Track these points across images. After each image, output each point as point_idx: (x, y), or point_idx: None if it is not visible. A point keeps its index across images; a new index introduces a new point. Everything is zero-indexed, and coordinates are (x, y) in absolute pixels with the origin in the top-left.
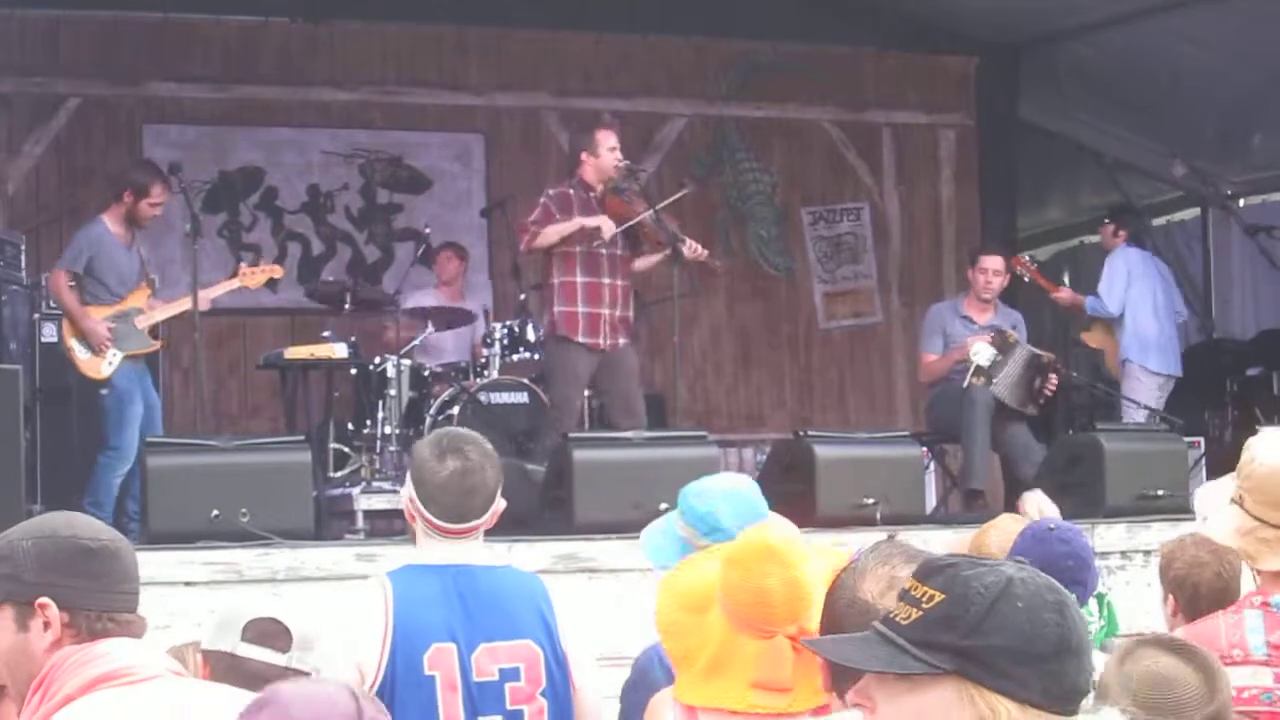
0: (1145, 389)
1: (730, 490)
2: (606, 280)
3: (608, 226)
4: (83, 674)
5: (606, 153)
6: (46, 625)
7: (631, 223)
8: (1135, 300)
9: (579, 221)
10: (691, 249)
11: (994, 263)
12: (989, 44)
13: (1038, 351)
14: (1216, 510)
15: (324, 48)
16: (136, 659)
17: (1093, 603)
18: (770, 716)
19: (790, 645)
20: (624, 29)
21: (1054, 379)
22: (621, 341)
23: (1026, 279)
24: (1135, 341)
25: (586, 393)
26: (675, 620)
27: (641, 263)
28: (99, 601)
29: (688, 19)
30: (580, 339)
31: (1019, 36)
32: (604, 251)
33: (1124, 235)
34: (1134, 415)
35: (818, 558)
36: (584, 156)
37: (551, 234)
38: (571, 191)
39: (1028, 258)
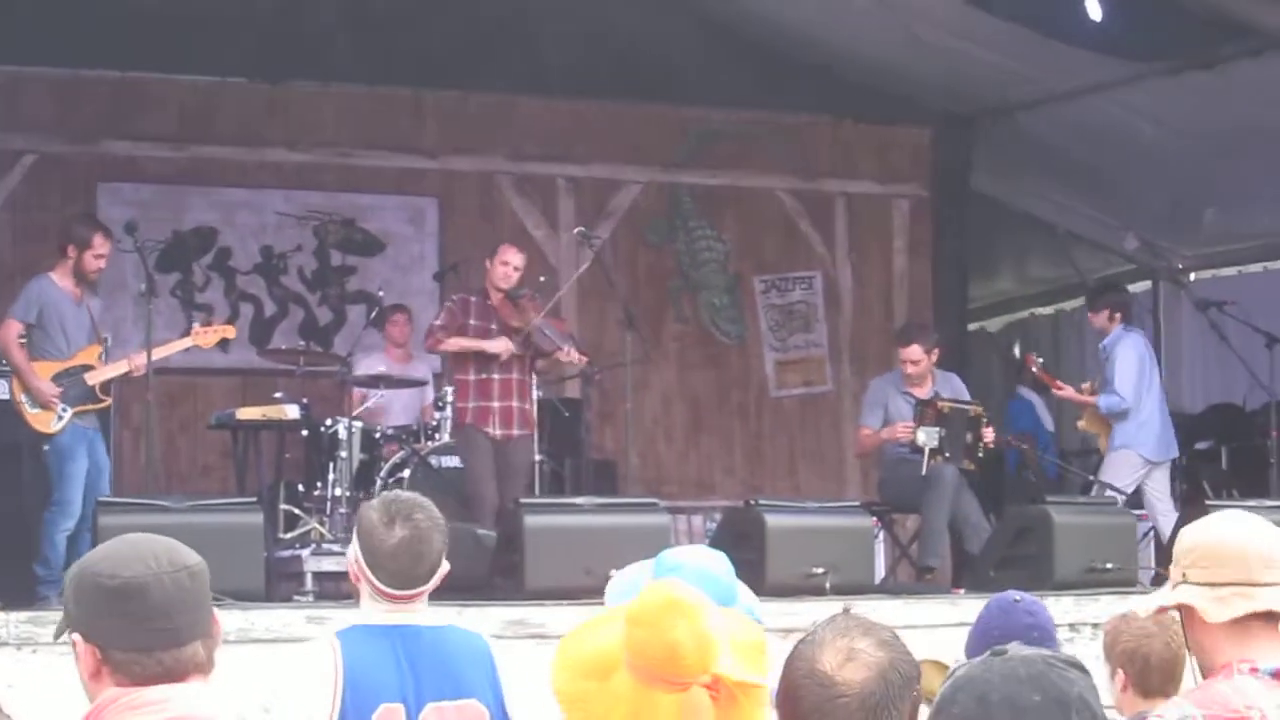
0: (1126, 473)
1: (702, 569)
2: (498, 376)
3: (504, 350)
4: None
5: (499, 265)
6: (81, 658)
7: (522, 333)
8: (1144, 390)
9: (480, 344)
10: (566, 355)
11: (910, 353)
12: (943, 115)
13: (963, 405)
14: (1160, 600)
15: (279, 108)
16: (180, 709)
17: None
18: None
19: (707, 693)
20: (579, 95)
21: (988, 431)
22: (516, 433)
23: (1034, 372)
24: (1137, 429)
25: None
26: (577, 689)
27: (541, 364)
28: (123, 641)
29: (643, 85)
30: (472, 425)
31: (973, 108)
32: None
33: (1119, 318)
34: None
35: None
36: (486, 264)
37: (453, 345)
38: (473, 298)
39: (1039, 359)
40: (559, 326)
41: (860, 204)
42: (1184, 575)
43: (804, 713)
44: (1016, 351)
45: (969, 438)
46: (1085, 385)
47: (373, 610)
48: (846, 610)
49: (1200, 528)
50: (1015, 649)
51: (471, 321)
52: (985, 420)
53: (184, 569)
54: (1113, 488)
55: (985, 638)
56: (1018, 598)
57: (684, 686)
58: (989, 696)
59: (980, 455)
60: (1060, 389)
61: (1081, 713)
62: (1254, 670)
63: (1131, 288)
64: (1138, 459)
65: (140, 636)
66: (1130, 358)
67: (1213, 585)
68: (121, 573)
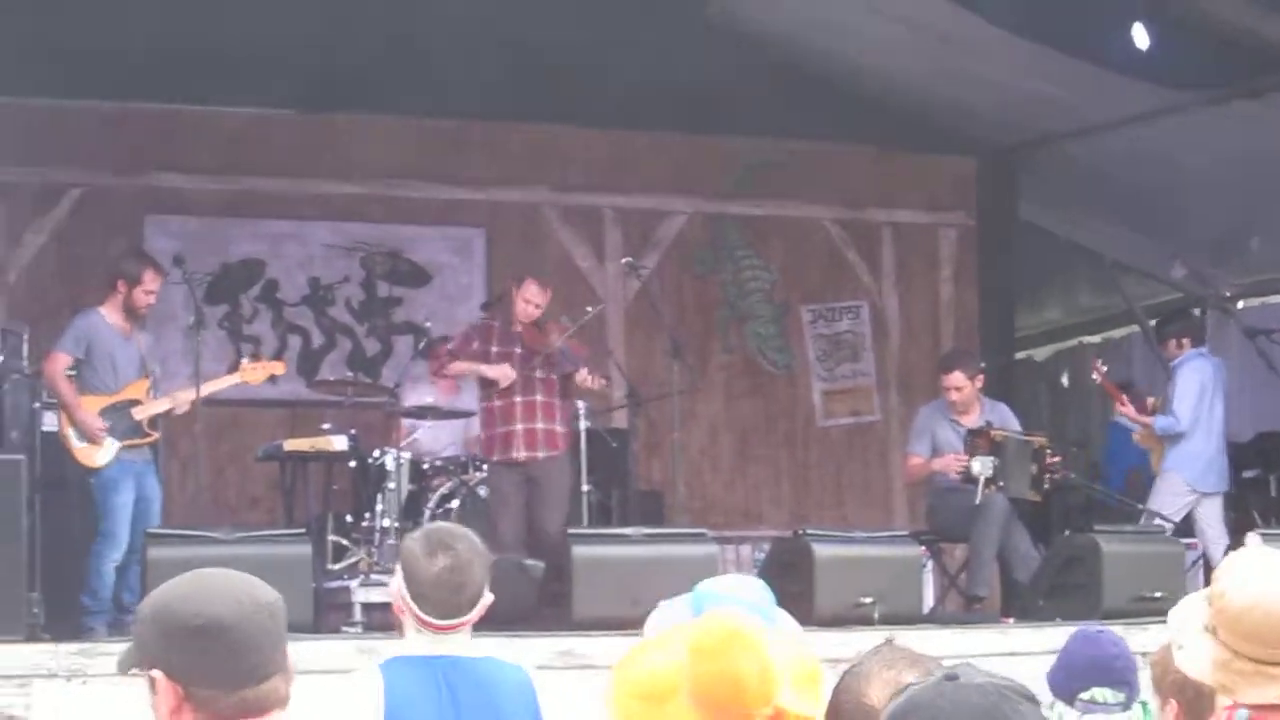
0: (1171, 500)
1: (741, 601)
2: (519, 399)
3: (505, 377)
4: None
5: (521, 301)
6: (161, 694)
7: (541, 355)
8: (1200, 417)
9: (480, 369)
10: (582, 378)
11: (952, 380)
12: (989, 144)
13: (1026, 438)
14: (1188, 634)
15: (326, 140)
16: None
17: (1137, 708)
18: None
19: None
20: (625, 125)
21: (1053, 462)
22: (542, 455)
23: (1097, 380)
24: (1186, 455)
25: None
26: (634, 712)
27: (575, 386)
28: (205, 679)
29: (689, 116)
30: (495, 458)
31: (1019, 137)
32: (524, 374)
33: (1188, 342)
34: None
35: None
36: (513, 292)
37: (454, 370)
38: (496, 324)
39: (1103, 366)
40: (576, 350)
41: (906, 233)
42: (1214, 627)
43: None
44: (1065, 381)
45: (1034, 469)
46: (1151, 401)
47: (416, 641)
48: (889, 641)
49: (1230, 579)
50: (967, 674)
51: (494, 348)
52: (1049, 451)
53: (265, 607)
54: (1162, 517)
55: (1071, 668)
56: (1100, 629)
57: (745, 718)
58: None
59: (1046, 487)
60: (1123, 404)
61: None
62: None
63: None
64: (1183, 485)
65: (224, 674)
66: (1192, 381)
67: (1237, 655)
68: (205, 610)
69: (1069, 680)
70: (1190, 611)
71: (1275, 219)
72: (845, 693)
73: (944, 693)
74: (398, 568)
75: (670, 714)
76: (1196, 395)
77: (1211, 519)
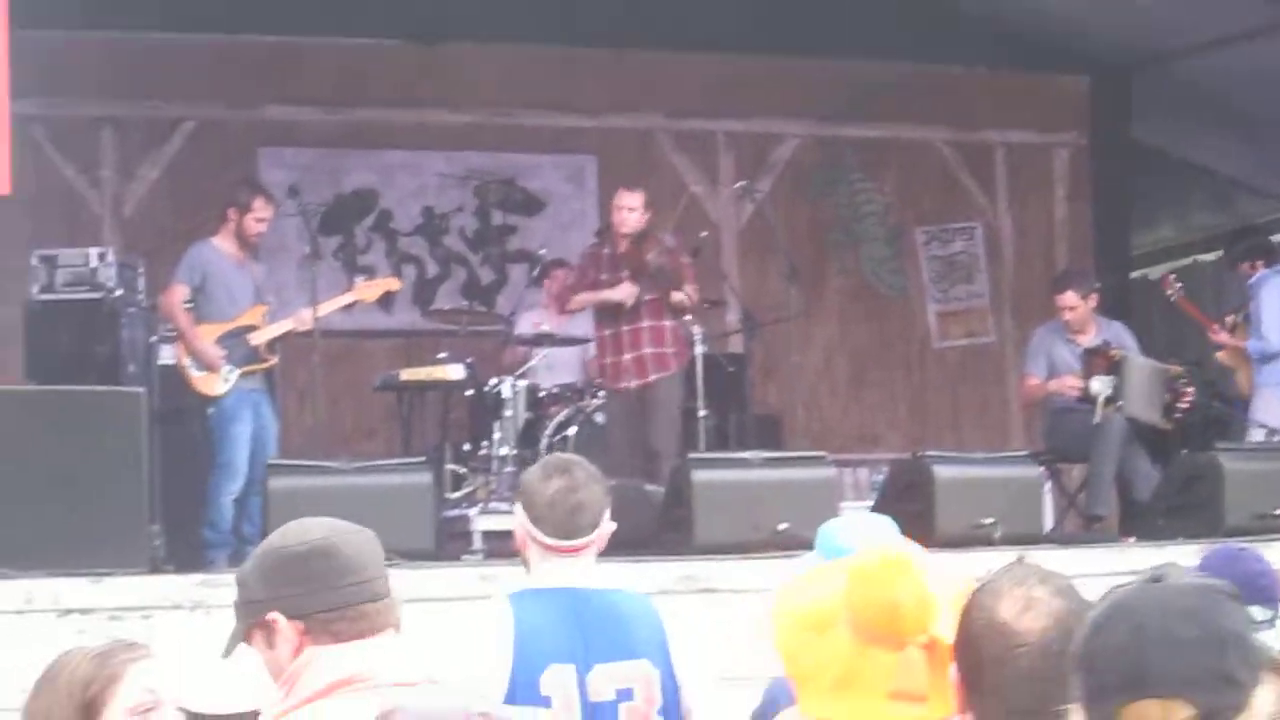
0: (1275, 410)
1: (867, 534)
2: (626, 328)
3: (628, 295)
4: (322, 677)
5: (616, 211)
6: (283, 637)
7: (648, 272)
8: None
9: (603, 295)
10: (677, 300)
11: (1065, 299)
12: (1102, 62)
13: (1162, 365)
14: None
15: (436, 69)
16: (377, 663)
17: None
18: None
19: (922, 655)
20: (736, 49)
21: (1188, 392)
22: (653, 378)
23: (1172, 298)
24: (1276, 369)
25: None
26: (796, 641)
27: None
28: (322, 602)
29: (801, 39)
30: (610, 386)
31: (1132, 55)
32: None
33: (1261, 263)
34: (1254, 435)
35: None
36: (612, 214)
37: (578, 303)
38: (605, 251)
39: (1178, 283)
40: (674, 264)
41: (1019, 154)
42: None
43: (983, 662)
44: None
45: (1167, 397)
46: (1230, 319)
47: (541, 572)
48: (1021, 559)
49: None
50: (1174, 575)
51: (602, 276)
52: (1185, 380)
53: (363, 532)
54: (1266, 426)
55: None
56: (1241, 547)
57: (901, 646)
58: (1145, 627)
59: (1178, 416)
60: (1217, 334)
61: (1238, 649)
62: None
63: None
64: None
65: (337, 593)
66: (1275, 299)
67: None
68: (307, 538)
69: None
70: None
71: None
72: (976, 609)
73: (1148, 594)
74: (518, 501)
75: (829, 643)
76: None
77: None
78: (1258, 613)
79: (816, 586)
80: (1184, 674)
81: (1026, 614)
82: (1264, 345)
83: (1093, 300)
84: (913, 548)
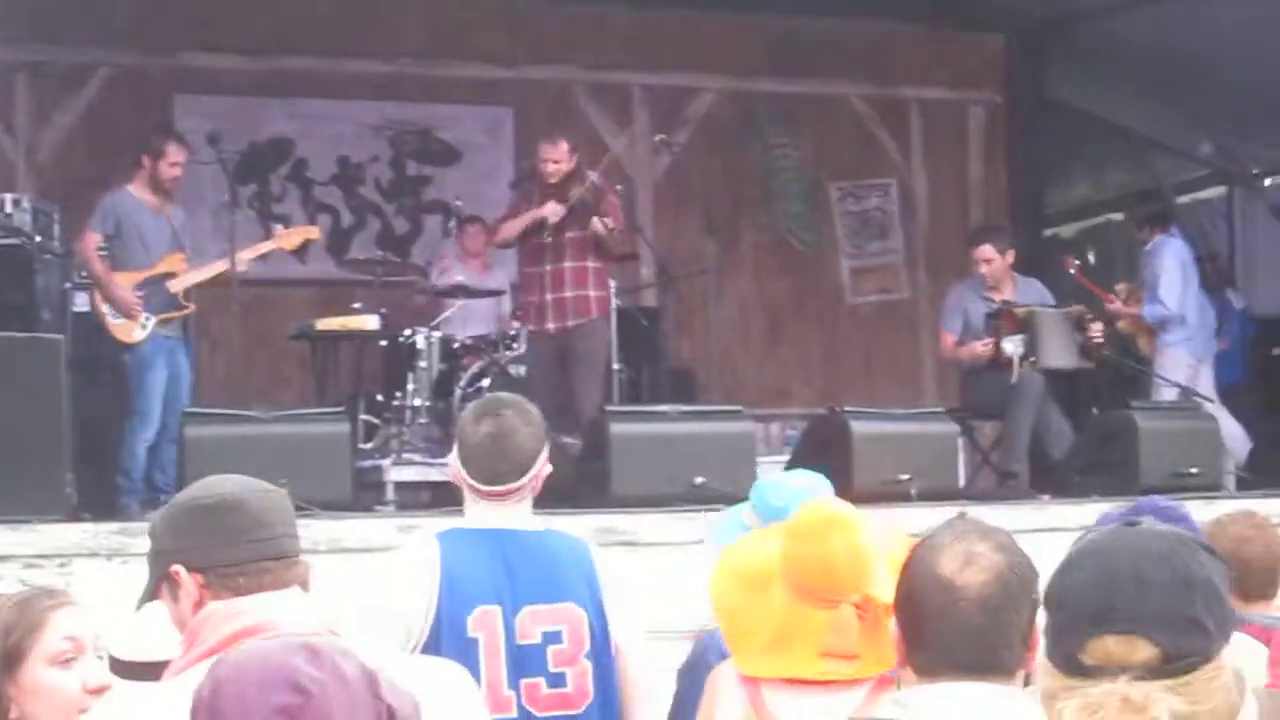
0: (1180, 370)
1: (803, 490)
2: (549, 267)
3: (553, 211)
4: (221, 630)
5: (540, 164)
6: (185, 590)
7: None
8: (1187, 295)
9: (529, 215)
10: (594, 224)
11: (982, 252)
12: (1018, 21)
13: (1064, 310)
14: None
15: (357, 19)
16: (276, 615)
17: None
18: (838, 684)
19: (855, 613)
20: (655, 5)
21: (1096, 327)
22: (572, 323)
23: (1072, 271)
24: (1186, 330)
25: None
26: (734, 600)
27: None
28: (223, 556)
29: None
30: (531, 327)
31: (1048, 13)
32: (547, 240)
33: (1159, 230)
34: (1166, 395)
35: (879, 535)
36: (537, 165)
37: (506, 229)
38: (535, 192)
39: (1075, 261)
40: (603, 197)
41: (935, 111)
42: None
43: (923, 616)
44: (1092, 258)
45: (1079, 337)
46: (1120, 287)
47: (473, 513)
48: (962, 514)
49: None
50: (1150, 522)
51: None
52: (1089, 316)
53: (274, 491)
54: (1193, 392)
55: None
56: (1170, 501)
57: (834, 604)
58: (1116, 567)
59: (1098, 353)
60: (1112, 302)
61: (1207, 596)
62: None
63: (1207, 194)
64: (1186, 356)
65: (241, 548)
66: (1173, 265)
67: None
68: (216, 491)
69: None
70: None
71: None
72: (917, 564)
73: (1123, 537)
74: (457, 439)
75: (767, 602)
76: (1181, 279)
77: (1208, 385)
78: None
79: (757, 546)
80: (1149, 613)
81: (967, 569)
82: (1160, 309)
83: (1010, 256)
84: (848, 506)
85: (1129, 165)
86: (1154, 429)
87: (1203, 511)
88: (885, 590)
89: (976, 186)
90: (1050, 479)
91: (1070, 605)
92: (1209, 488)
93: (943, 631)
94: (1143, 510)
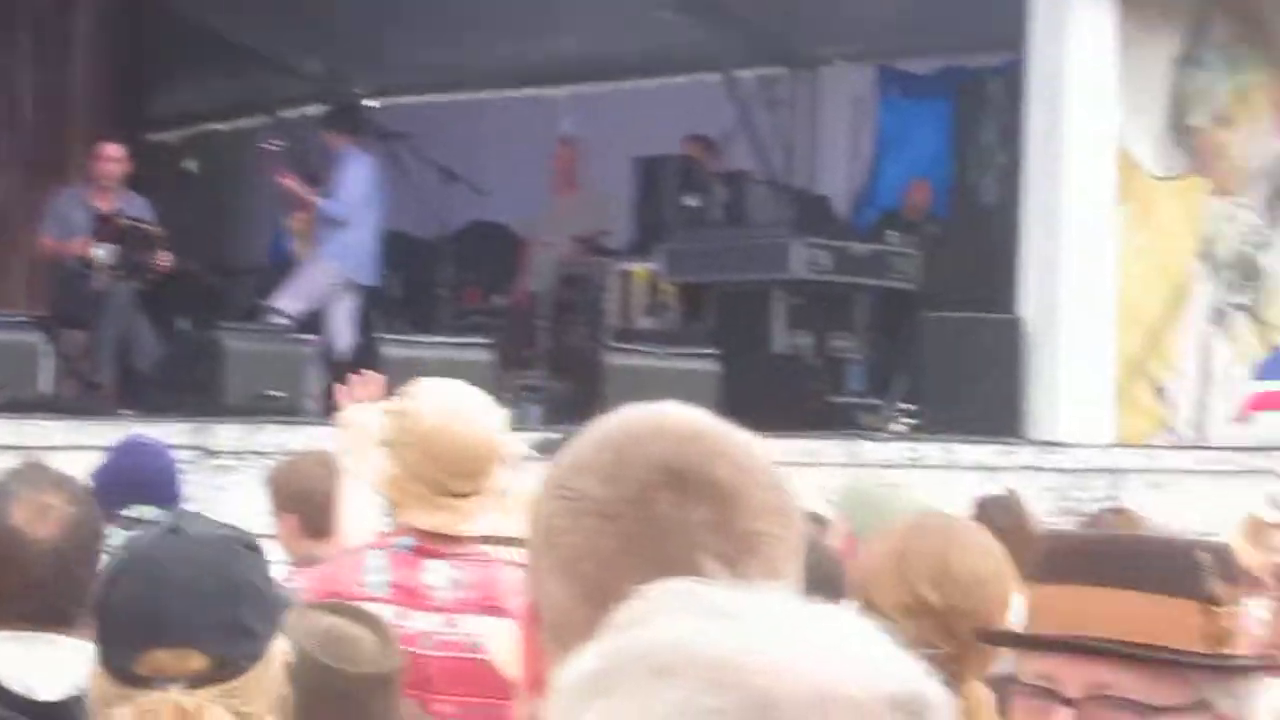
0: (318, 290)
1: None
2: None
3: None
4: None
5: None
6: None
7: None
8: (368, 215)
9: None
10: None
11: (111, 150)
12: None
13: (143, 226)
14: (362, 442)
15: None
16: None
17: None
18: None
19: None
20: None
21: (164, 256)
22: None
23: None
24: (353, 254)
25: None
26: None
27: None
28: None
29: None
30: None
31: None
32: None
33: (349, 138)
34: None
35: None
36: None
37: None
38: None
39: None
40: None
41: (42, 10)
42: (398, 443)
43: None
44: (194, 167)
45: (147, 258)
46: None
47: None
48: (34, 462)
49: (424, 399)
50: (189, 524)
51: None
52: (166, 244)
53: None
54: (283, 313)
55: (119, 478)
56: (147, 441)
57: None
58: (163, 578)
59: (150, 278)
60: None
61: (252, 599)
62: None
63: (311, 110)
64: (338, 273)
65: None
66: (359, 173)
67: (416, 478)
68: None
69: (118, 489)
70: (366, 419)
71: (409, 14)
72: None
73: (168, 544)
74: None
75: None
76: (364, 188)
77: (350, 313)
78: (150, 512)
79: None
80: (197, 623)
81: (39, 520)
82: (334, 205)
83: (127, 164)
84: None
85: (231, 75)
86: (240, 350)
87: (283, 435)
88: None
89: (83, 90)
90: (136, 394)
91: (119, 618)
92: (292, 411)
93: (13, 584)
94: (131, 448)
